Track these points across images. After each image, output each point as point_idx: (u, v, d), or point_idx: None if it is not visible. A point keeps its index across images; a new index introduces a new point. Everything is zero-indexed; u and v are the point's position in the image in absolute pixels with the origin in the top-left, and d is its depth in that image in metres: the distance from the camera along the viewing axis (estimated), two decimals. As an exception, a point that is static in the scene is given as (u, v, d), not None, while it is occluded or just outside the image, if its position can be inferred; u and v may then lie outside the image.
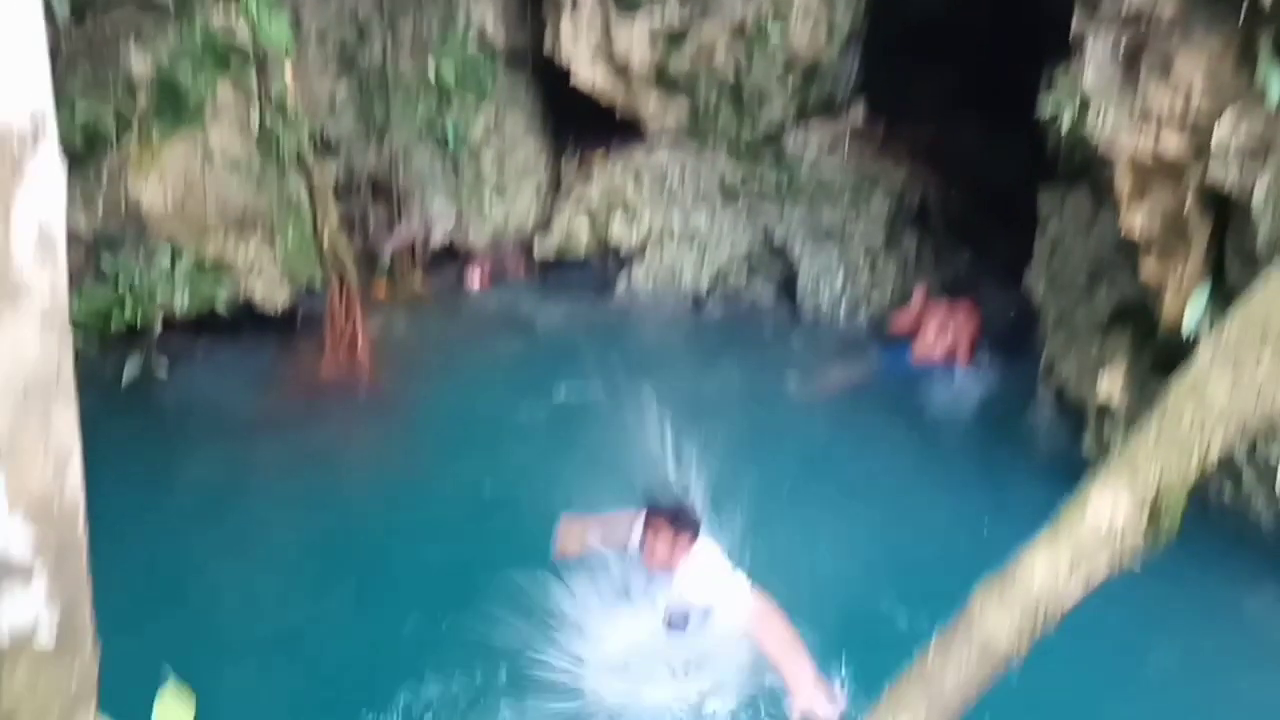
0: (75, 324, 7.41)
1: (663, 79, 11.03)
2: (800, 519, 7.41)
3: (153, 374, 9.47)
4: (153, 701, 2.29)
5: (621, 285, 11.37)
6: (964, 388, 9.63)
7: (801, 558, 6.78)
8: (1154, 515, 1.69)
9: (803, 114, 11.08)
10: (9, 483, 1.19)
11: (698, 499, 6.51)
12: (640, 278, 11.31)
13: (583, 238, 11.63)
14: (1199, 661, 6.56)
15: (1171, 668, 6.51)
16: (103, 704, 1.55)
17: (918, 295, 10.33)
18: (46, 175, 1.16)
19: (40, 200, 1.14)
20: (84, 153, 8.99)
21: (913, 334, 10.10)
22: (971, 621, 1.63)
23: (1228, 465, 7.27)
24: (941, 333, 9.90)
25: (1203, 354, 1.73)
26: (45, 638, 1.26)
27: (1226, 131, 6.80)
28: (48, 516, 1.21)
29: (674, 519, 5.82)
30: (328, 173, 10.14)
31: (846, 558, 7.08)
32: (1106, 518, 1.68)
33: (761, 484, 7.44)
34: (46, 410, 1.17)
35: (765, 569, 6.27)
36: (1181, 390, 1.71)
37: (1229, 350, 1.73)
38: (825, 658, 6.01)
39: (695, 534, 5.84)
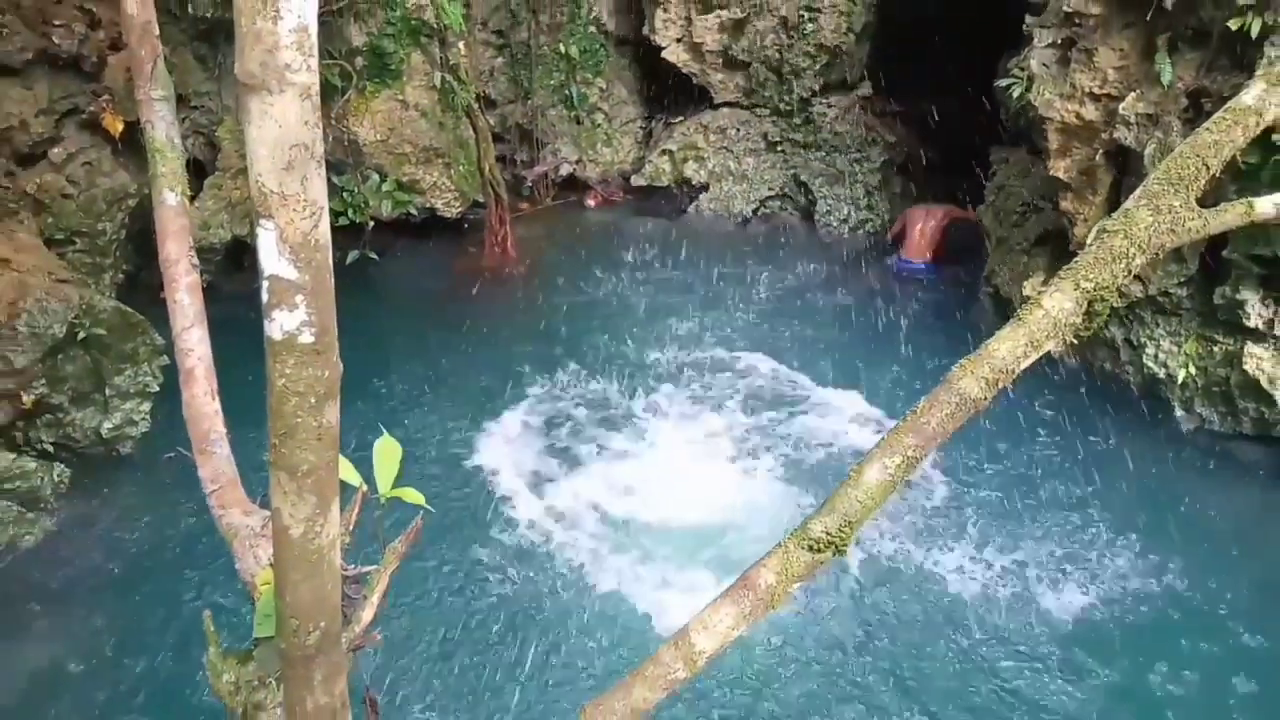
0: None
1: (727, 58, 10.81)
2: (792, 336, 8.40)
3: (367, 258, 9.56)
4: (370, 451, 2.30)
5: (692, 208, 11.24)
6: (933, 286, 9.45)
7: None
8: (1090, 310, 1.63)
9: (826, 88, 10.80)
10: (279, 226, 1.16)
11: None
12: (705, 203, 11.21)
13: (665, 174, 11.48)
14: (1081, 474, 6.58)
15: (1063, 482, 6.54)
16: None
17: (902, 215, 10.11)
18: (305, -22, 1.08)
19: (302, 1, 1.08)
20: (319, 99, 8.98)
21: (904, 238, 9.85)
22: (952, 382, 1.58)
23: (1109, 342, 7.22)
24: (922, 233, 9.61)
25: (1133, 198, 1.64)
26: (306, 340, 1.24)
27: (1130, 104, 6.66)
28: (307, 253, 1.18)
29: None
30: (488, 122, 10.06)
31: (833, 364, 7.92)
32: (1055, 309, 1.60)
33: (774, 322, 8.50)
34: (305, 171, 1.13)
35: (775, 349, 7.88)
36: (1115, 222, 1.62)
37: (1151, 195, 1.63)
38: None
39: None
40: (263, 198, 1.13)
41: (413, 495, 2.41)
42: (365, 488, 2.29)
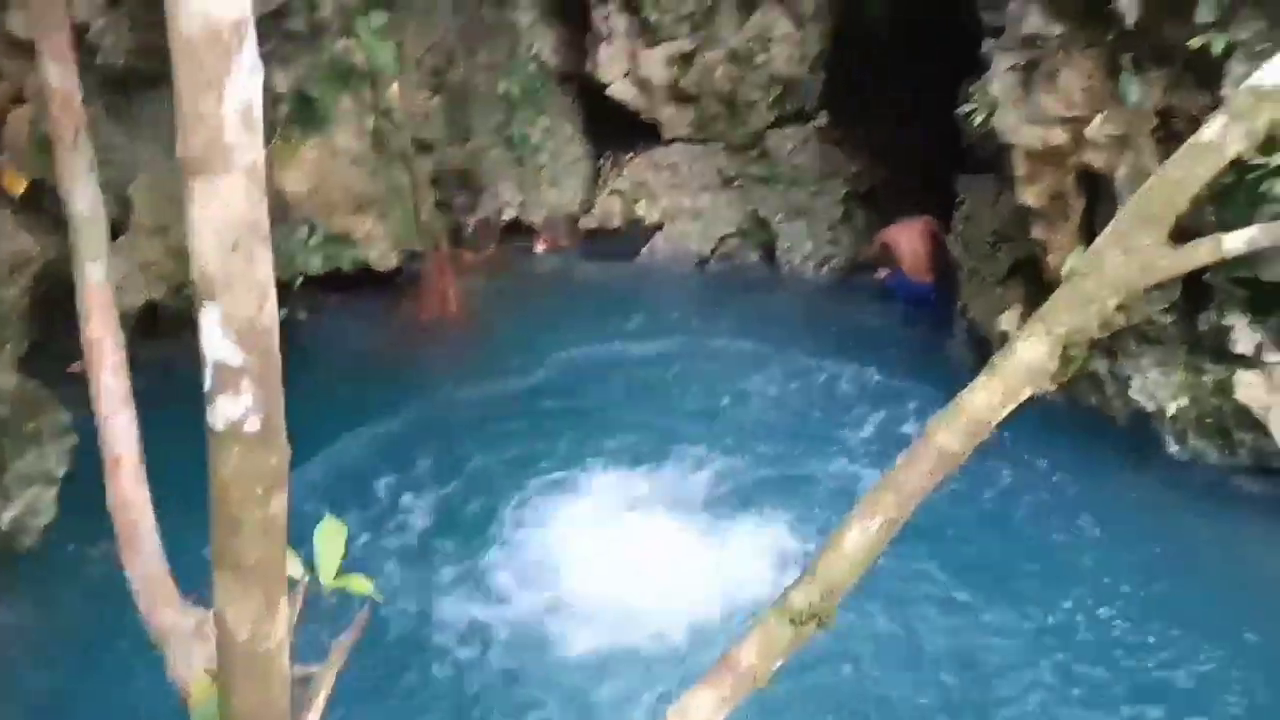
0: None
1: (676, 93, 11.02)
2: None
3: (295, 317, 9.49)
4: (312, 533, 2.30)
5: (645, 250, 11.38)
6: (901, 322, 9.60)
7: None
8: (1064, 355, 1.71)
9: (781, 120, 11.05)
10: (224, 309, 1.19)
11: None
12: (659, 244, 11.34)
13: (616, 215, 11.62)
14: (1069, 511, 6.68)
15: (1050, 518, 6.63)
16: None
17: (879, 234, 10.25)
18: (249, 60, 1.14)
19: (245, 79, 1.12)
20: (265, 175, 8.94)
21: (887, 257, 9.97)
22: (929, 436, 1.64)
23: (1092, 375, 7.33)
24: (915, 251, 9.69)
25: (1103, 236, 1.74)
26: (252, 428, 1.27)
27: (1098, 126, 6.88)
28: (253, 336, 1.22)
29: None
30: (424, 166, 10.14)
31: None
32: (1029, 357, 1.69)
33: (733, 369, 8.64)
34: (251, 251, 1.17)
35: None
36: (1086, 263, 1.72)
37: (1120, 234, 1.73)
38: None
39: None
40: (206, 281, 1.16)
41: (360, 584, 2.40)
42: (307, 579, 2.28)
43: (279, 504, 1.38)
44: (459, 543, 6.59)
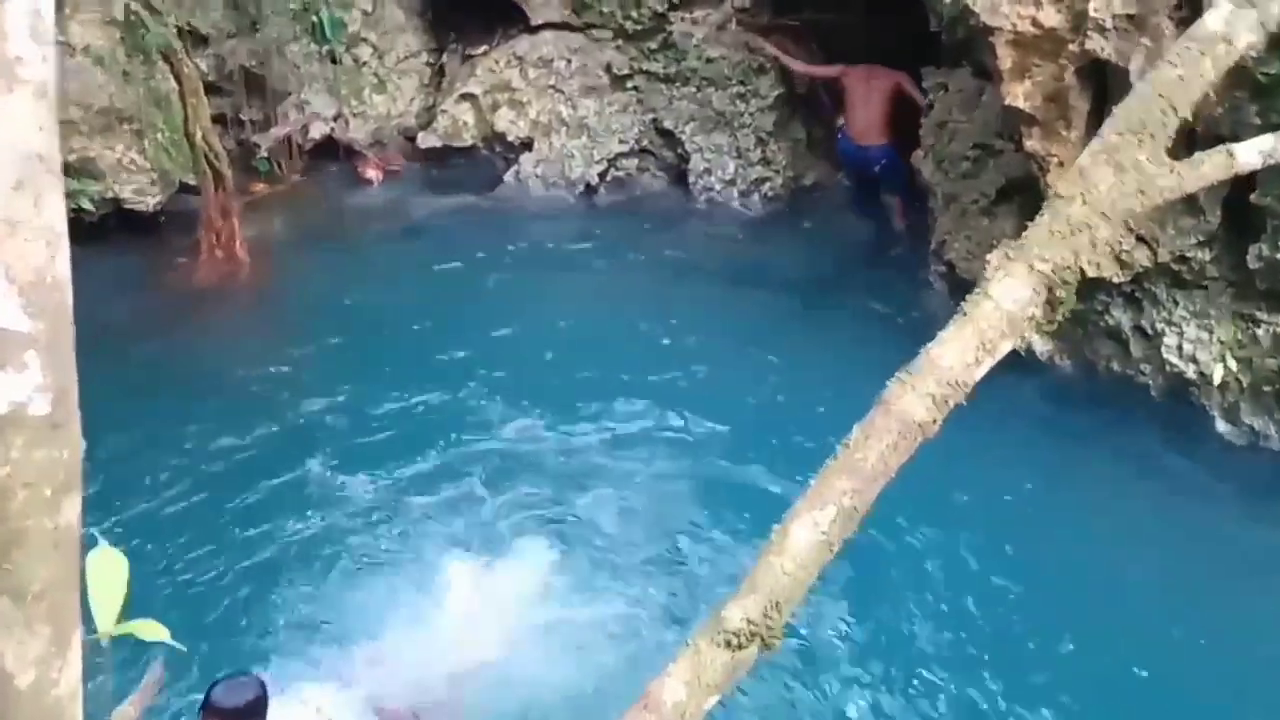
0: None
1: (545, -40, 11.06)
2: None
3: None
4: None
5: (510, 175, 11.49)
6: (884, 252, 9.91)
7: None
8: (1050, 297, 1.88)
9: (689, -1, 11.15)
10: (5, 263, 1.26)
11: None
12: (529, 167, 11.44)
13: (469, 129, 11.70)
14: (1081, 517, 6.87)
15: (1056, 528, 6.81)
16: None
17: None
18: (40, -49, 1.21)
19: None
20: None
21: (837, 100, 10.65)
22: (890, 403, 1.81)
23: (1114, 332, 7.57)
24: (868, 103, 10.22)
25: (1086, 154, 1.92)
26: (40, 411, 1.35)
27: (1104, 3, 7.01)
28: (41, 296, 1.30)
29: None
30: (197, 67, 10.00)
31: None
32: (1007, 301, 1.86)
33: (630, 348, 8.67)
34: (40, 189, 1.26)
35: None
36: (1069, 186, 1.89)
37: (1111, 149, 1.91)
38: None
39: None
40: (-20, 227, 1.25)
41: (151, 629, 2.47)
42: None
43: (71, 510, 1.47)
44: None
